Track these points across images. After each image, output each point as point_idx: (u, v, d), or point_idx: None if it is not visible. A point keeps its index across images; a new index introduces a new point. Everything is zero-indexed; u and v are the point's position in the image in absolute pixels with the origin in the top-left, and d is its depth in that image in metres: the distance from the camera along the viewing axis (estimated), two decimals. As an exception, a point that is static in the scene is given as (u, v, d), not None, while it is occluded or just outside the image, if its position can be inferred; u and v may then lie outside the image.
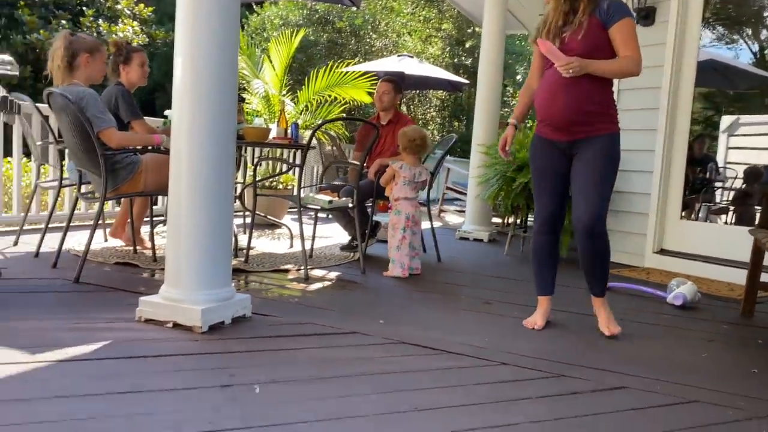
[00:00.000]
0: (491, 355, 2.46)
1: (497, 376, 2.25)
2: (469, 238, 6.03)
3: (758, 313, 3.53)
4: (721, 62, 7.22)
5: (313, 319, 2.78)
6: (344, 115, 6.34)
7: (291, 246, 4.85)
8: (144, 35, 13.77)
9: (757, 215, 3.77)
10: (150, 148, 3.41)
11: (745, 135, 8.16)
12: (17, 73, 2.53)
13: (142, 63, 4.09)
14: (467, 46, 15.77)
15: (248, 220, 5.32)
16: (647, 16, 5.05)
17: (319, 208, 3.91)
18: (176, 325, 2.47)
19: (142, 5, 13.57)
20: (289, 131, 4.41)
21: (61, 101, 3.13)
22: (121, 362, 2.09)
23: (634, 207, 5.12)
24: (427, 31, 15.95)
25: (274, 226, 5.93)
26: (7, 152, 4.85)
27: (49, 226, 3.97)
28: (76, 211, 4.77)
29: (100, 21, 12.69)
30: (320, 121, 5.04)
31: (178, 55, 2.48)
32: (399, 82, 5.00)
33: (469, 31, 15.99)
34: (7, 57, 2.54)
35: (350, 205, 4.07)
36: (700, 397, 2.16)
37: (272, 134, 4.38)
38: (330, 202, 3.90)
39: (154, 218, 4.01)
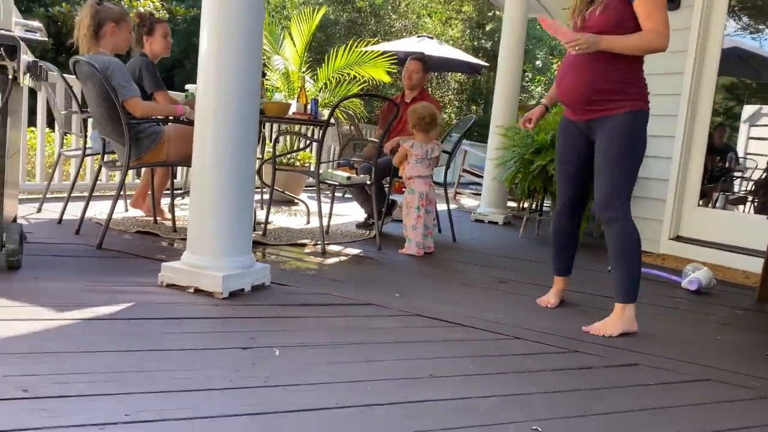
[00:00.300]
0: (505, 329, 2.50)
1: (510, 349, 2.28)
2: (484, 220, 6.04)
3: (773, 300, 3.52)
4: (747, 50, 7.12)
5: (331, 291, 2.82)
6: (363, 92, 6.33)
7: (308, 222, 4.89)
8: (165, 11, 13.81)
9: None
10: (172, 118, 3.45)
11: (767, 126, 8.06)
12: (47, 39, 2.56)
13: (165, 34, 4.11)
14: (487, 29, 15.65)
15: (266, 196, 5.36)
16: (672, 0, 4.99)
17: (337, 183, 3.94)
18: (197, 291, 2.52)
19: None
20: (308, 107, 4.44)
21: (87, 69, 3.18)
22: (144, 323, 2.15)
23: (651, 193, 5.10)
24: (448, 12, 15.83)
25: (291, 202, 5.98)
26: (32, 122, 4.93)
27: (72, 195, 4.04)
28: (98, 182, 4.86)
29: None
30: (339, 99, 5.03)
31: (204, 27, 2.51)
32: (428, 61, 5.00)
33: (490, 14, 15.86)
34: (35, 23, 2.58)
35: (368, 182, 4.09)
36: (712, 376, 2.18)
37: (292, 110, 4.41)
38: (348, 178, 3.93)
39: (174, 191, 4.06)
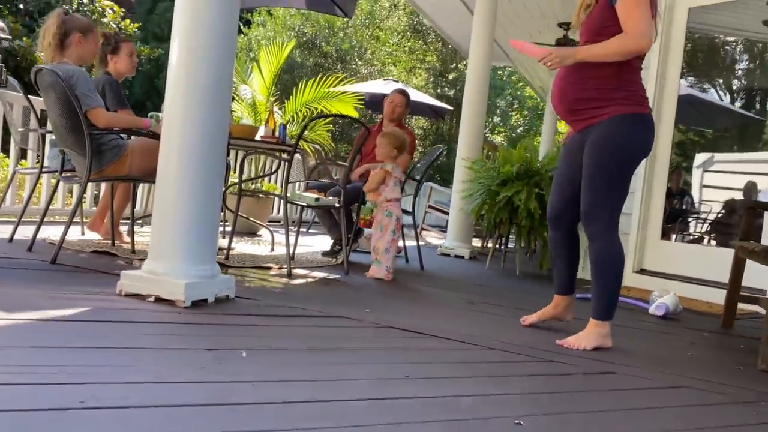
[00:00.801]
0: (478, 341, 2.43)
1: (486, 357, 2.21)
2: (450, 254, 6.02)
3: (738, 326, 3.55)
4: (698, 97, 7.44)
5: (299, 305, 2.72)
6: (332, 124, 6.33)
7: (272, 250, 4.78)
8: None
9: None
10: (135, 131, 3.35)
11: (719, 172, 8.39)
12: (10, 38, 2.48)
13: (130, 53, 4.04)
14: (450, 77, 16.04)
15: (228, 228, 5.25)
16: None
17: (305, 204, 3.87)
18: (158, 300, 2.39)
19: (128, 21, 13.56)
20: (277, 131, 4.39)
21: (50, 78, 3.08)
22: (101, 324, 2.02)
23: (615, 226, 5.17)
24: (412, 62, 16.21)
25: (254, 233, 5.86)
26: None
27: (24, 219, 3.85)
28: (52, 206, 4.67)
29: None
30: (310, 118, 5.01)
31: (175, 38, 2.48)
32: (409, 97, 5.10)
33: (453, 66, 16.28)
34: (1, 23, 2.50)
35: (336, 204, 4.04)
36: (687, 384, 2.15)
37: (260, 134, 4.36)
38: (317, 199, 3.87)
39: (135, 220, 3.92)
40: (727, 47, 7.91)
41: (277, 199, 7.02)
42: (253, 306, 2.59)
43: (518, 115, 19.85)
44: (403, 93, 4.99)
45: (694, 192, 7.92)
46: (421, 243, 4.93)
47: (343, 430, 1.36)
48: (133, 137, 3.39)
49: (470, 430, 1.44)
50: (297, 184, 5.79)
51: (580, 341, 2.51)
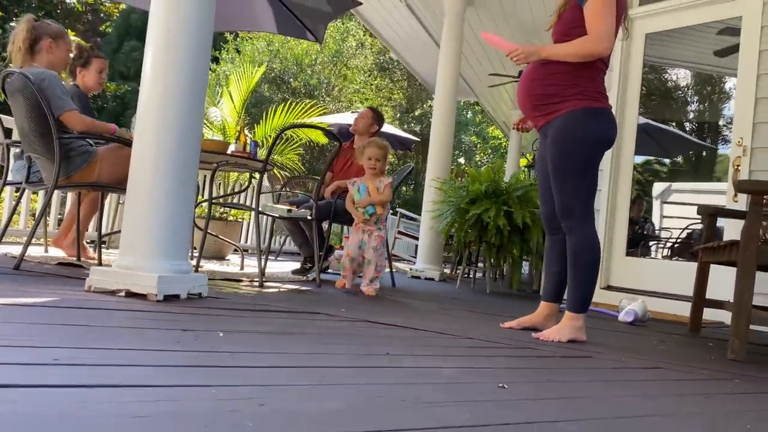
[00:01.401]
0: (455, 333, 2.43)
1: (464, 344, 2.21)
2: (420, 276, 6.03)
3: (705, 332, 3.62)
4: (655, 125, 7.70)
5: (273, 304, 2.69)
6: (302, 148, 6.35)
7: (242, 269, 4.72)
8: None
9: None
10: (108, 137, 3.31)
11: (676, 203, 8.66)
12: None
13: (100, 69, 4.03)
14: (417, 113, 16.33)
15: (196, 252, 5.17)
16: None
17: (277, 215, 3.85)
18: (130, 294, 2.33)
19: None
20: (248, 148, 4.39)
21: (19, 82, 3.04)
22: (70, 311, 1.96)
23: (582, 244, 5.26)
24: (379, 99, 16.46)
25: (221, 258, 5.78)
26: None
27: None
28: (15, 227, 4.55)
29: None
30: (283, 128, 5.01)
31: (150, 43, 2.49)
32: (381, 115, 5.12)
33: (419, 104, 16.59)
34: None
35: (309, 216, 4.03)
36: (664, 366, 2.18)
37: (231, 149, 4.35)
38: (288, 211, 3.86)
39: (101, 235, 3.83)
40: (681, 78, 8.26)
41: (245, 224, 6.96)
42: (227, 303, 2.55)
43: (482, 154, 20.24)
44: (370, 108, 5.06)
45: (655, 219, 8.16)
46: (393, 270, 4.94)
47: (325, 387, 1.33)
48: (103, 146, 3.35)
49: (455, 392, 1.43)
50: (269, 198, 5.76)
51: (555, 334, 2.52)
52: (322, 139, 6.59)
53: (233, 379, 1.32)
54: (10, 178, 3.81)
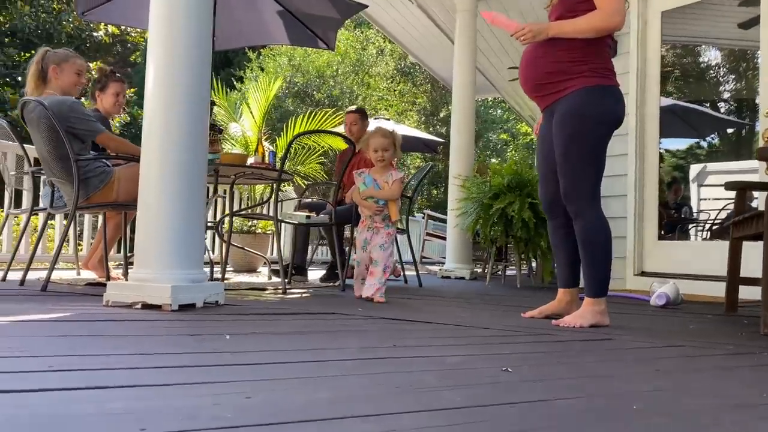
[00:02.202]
0: (472, 324, 2.39)
1: (478, 333, 2.17)
2: (451, 276, 5.97)
3: (742, 311, 3.48)
4: (683, 106, 7.49)
5: (292, 308, 2.69)
6: (324, 156, 6.39)
7: (269, 278, 4.76)
8: (126, 114, 14.04)
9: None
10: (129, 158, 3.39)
11: (713, 185, 8.40)
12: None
13: (116, 93, 4.10)
14: (441, 115, 16.27)
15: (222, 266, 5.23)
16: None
17: (296, 223, 3.87)
18: (146, 306, 2.36)
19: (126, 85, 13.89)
20: (266, 158, 4.44)
21: (35, 108, 3.13)
22: (83, 324, 1.99)
23: (612, 231, 5.13)
24: (403, 105, 16.47)
25: (252, 270, 5.84)
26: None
27: (19, 263, 3.85)
28: (39, 253, 4.67)
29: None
30: (296, 135, 5.02)
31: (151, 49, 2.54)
32: (363, 110, 5.08)
33: (443, 105, 16.54)
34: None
35: (328, 222, 4.03)
36: (687, 344, 2.10)
37: (250, 161, 4.40)
38: (307, 217, 3.87)
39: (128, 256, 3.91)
40: (710, 56, 8.01)
41: (273, 236, 7.02)
42: (244, 309, 2.56)
43: (514, 151, 20.02)
44: (351, 111, 5.00)
45: (693, 203, 7.91)
46: (422, 272, 4.91)
47: (319, 379, 1.32)
48: (121, 166, 3.43)
49: (455, 378, 1.40)
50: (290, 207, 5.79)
51: (577, 320, 2.45)
52: (342, 145, 6.61)
53: (228, 376, 1.32)
54: (41, 204, 3.94)
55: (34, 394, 1.09)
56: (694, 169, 8.31)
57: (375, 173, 3.40)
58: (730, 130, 8.51)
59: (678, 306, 3.62)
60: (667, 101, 6.13)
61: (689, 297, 4.26)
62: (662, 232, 5.37)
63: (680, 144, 8.34)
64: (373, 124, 9.67)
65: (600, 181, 2.50)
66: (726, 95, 8.73)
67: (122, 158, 3.41)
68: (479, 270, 6.93)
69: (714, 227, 7.02)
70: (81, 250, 5.06)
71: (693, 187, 8.30)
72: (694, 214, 7.86)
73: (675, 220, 7.11)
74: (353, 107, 5.14)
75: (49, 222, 4.63)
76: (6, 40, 13.25)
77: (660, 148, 5.34)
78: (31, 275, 3.43)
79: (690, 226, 7.57)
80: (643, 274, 5.01)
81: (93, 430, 0.90)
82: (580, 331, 2.29)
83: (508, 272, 6.47)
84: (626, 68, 5.14)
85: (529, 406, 1.16)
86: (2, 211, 4.96)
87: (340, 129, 7.10)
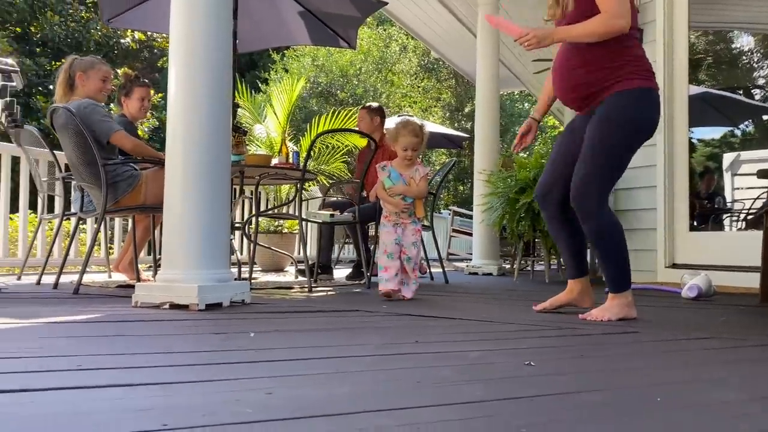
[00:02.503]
0: (496, 319, 2.38)
1: (501, 329, 2.16)
2: (478, 272, 5.94)
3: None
4: (715, 93, 7.31)
5: (317, 306, 2.71)
6: (348, 155, 6.41)
7: (296, 277, 4.79)
8: (155, 119, 14.28)
9: None
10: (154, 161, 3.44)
11: (747, 174, 8.19)
12: (21, 80, 2.61)
13: (141, 98, 4.16)
14: (466, 110, 16.19)
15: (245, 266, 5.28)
16: (634, 38, 5.19)
17: (320, 221, 3.89)
18: (173, 306, 2.40)
19: (152, 90, 14.11)
20: (290, 158, 4.47)
21: (63, 114, 3.21)
22: (111, 324, 2.03)
23: (642, 223, 5.06)
24: (427, 101, 16.43)
25: (279, 270, 5.89)
26: (14, 209, 4.93)
27: (52, 266, 3.95)
28: (72, 257, 4.77)
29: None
30: (318, 134, 5.04)
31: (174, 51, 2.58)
32: (375, 107, 5.00)
33: (468, 100, 16.46)
34: (10, 60, 2.62)
35: (352, 219, 4.05)
36: (718, 337, 2.05)
37: (274, 162, 4.44)
38: (331, 215, 3.89)
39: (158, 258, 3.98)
40: (743, 41, 7.79)
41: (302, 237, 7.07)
42: (270, 307, 2.59)
43: (542, 144, 19.82)
44: (361, 107, 4.97)
45: (727, 192, 7.72)
46: (448, 269, 4.89)
47: (341, 375, 1.32)
48: (148, 169, 3.49)
49: (476, 372, 1.39)
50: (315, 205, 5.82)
51: (604, 313, 2.41)
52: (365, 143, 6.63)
53: (250, 372, 1.33)
54: (73, 209, 4.02)
55: (63, 391, 1.11)
56: (728, 158, 8.11)
57: (399, 167, 3.25)
58: (765, 117, 8.28)
59: (711, 298, 3.54)
60: (698, 89, 6.01)
61: (722, 288, 4.17)
62: (694, 223, 5.27)
63: (713, 133, 8.14)
64: (396, 120, 9.67)
65: (611, 189, 2.49)
66: (760, 81, 8.50)
67: (148, 161, 3.47)
68: (507, 266, 6.88)
69: (749, 217, 6.86)
70: (112, 253, 5.16)
71: (727, 176, 8.11)
72: (728, 204, 7.68)
73: (708, 211, 6.95)
74: (362, 105, 5.13)
75: (81, 226, 4.74)
76: (37, 50, 13.58)
77: (691, 138, 5.24)
78: (64, 278, 3.51)
79: (724, 216, 7.40)
80: (675, 266, 4.91)
81: (117, 425, 0.92)
82: (606, 325, 2.26)
83: (537, 267, 6.41)
84: (652, 56, 5.03)
85: (551, 399, 1.15)
86: (36, 217, 5.10)
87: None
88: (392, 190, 3.16)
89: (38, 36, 13.55)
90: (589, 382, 1.31)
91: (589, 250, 3.37)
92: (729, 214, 7.43)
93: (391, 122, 9.61)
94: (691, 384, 1.31)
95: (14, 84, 2.63)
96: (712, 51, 7.31)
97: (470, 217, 8.07)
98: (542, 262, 5.70)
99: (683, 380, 1.34)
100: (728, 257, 4.62)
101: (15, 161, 4.82)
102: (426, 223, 4.70)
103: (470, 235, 7.48)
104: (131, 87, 4.14)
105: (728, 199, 7.69)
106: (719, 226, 6.92)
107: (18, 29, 13.36)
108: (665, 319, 2.54)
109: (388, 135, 3.33)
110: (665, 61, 4.98)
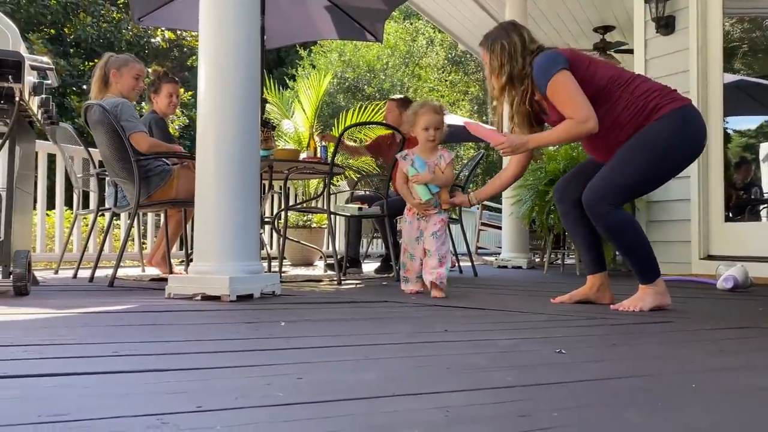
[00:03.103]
0: (527, 310, 2.36)
1: (534, 318, 2.14)
2: (507, 266, 5.91)
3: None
4: (751, 81, 7.12)
5: (346, 298, 2.72)
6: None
7: (325, 271, 4.82)
8: (185, 117, 14.47)
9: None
10: (183, 155, 3.50)
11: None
12: (56, 78, 2.67)
13: (169, 94, 4.20)
14: (494, 104, 16.04)
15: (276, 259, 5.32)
16: (667, 25, 5.09)
17: (349, 215, 3.91)
18: (205, 297, 2.44)
19: (182, 89, 14.30)
20: (318, 153, 4.50)
21: (97, 111, 3.27)
22: (145, 314, 2.07)
23: (675, 215, 4.97)
24: (455, 95, 16.34)
25: (309, 264, 5.94)
26: (50, 206, 5.05)
27: (84, 264, 4.03)
28: (106, 252, 4.87)
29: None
30: (345, 128, 5.05)
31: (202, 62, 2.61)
32: (402, 98, 4.99)
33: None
34: (45, 58, 2.68)
35: (381, 213, 4.05)
36: (756, 327, 2.01)
37: (302, 156, 4.47)
38: (359, 209, 3.90)
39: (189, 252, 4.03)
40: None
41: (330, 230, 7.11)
42: (300, 299, 2.61)
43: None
44: (390, 99, 4.93)
45: (764, 184, 7.52)
46: (477, 263, 4.87)
47: (370, 361, 1.33)
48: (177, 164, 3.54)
49: (507, 359, 1.39)
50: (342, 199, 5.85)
51: (636, 303, 2.38)
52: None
53: (280, 359, 1.35)
54: (107, 204, 4.11)
55: (100, 376, 1.14)
56: (765, 147, 7.90)
57: (423, 153, 2.97)
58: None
59: (747, 289, 3.47)
60: (733, 77, 5.86)
61: (760, 280, 4.07)
62: (729, 214, 5.16)
63: (750, 123, 7.94)
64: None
65: (629, 199, 2.46)
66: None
67: (180, 157, 3.53)
68: (537, 259, 6.82)
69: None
70: (145, 248, 5.26)
71: (764, 166, 7.90)
72: (765, 195, 7.48)
73: (744, 201, 6.79)
74: (391, 96, 5.11)
75: (114, 222, 4.82)
76: (71, 50, 13.86)
77: (726, 127, 5.13)
78: (99, 272, 3.59)
79: (761, 207, 7.22)
80: (710, 257, 4.81)
81: (152, 406, 0.94)
82: (638, 314, 2.23)
83: (567, 261, 6.34)
84: (685, 44, 4.94)
85: (582, 385, 1.14)
86: (71, 213, 5.22)
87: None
88: (417, 179, 2.90)
89: (72, 37, 13.82)
90: (621, 369, 1.29)
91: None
92: (766, 205, 7.25)
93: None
94: (726, 372, 1.28)
95: (49, 82, 2.69)
96: (748, 38, 7.12)
97: (498, 210, 8.02)
98: (572, 255, 5.63)
99: (719, 367, 1.32)
100: (766, 248, 4.51)
101: (51, 159, 4.95)
102: (454, 216, 4.69)
103: (499, 228, 7.43)
104: (159, 84, 4.20)
105: (765, 189, 7.50)
106: (756, 217, 6.75)
107: (52, 31, 13.64)
108: (700, 310, 2.50)
109: (406, 120, 3.05)
110: (698, 48, 4.88)
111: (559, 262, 6.36)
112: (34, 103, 2.63)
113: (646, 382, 1.19)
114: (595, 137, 2.42)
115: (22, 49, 2.60)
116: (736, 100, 5.89)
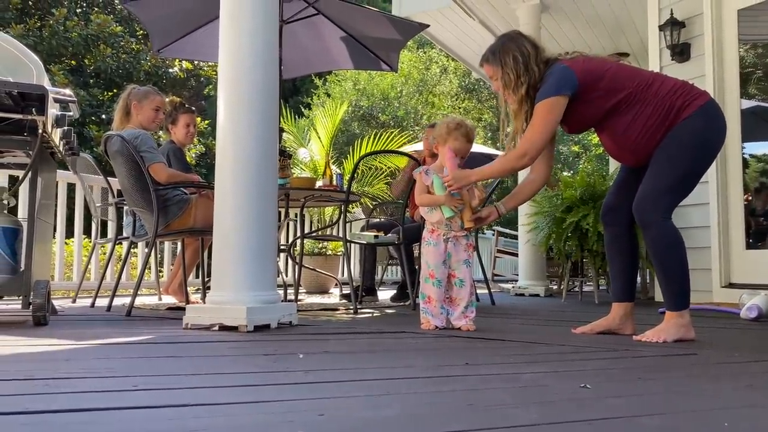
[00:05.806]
0: (548, 341, 2.32)
1: (555, 350, 2.10)
2: (524, 294, 5.85)
3: None
4: (767, 106, 7.06)
5: (363, 327, 2.70)
6: (390, 177, 6.43)
7: (341, 299, 4.80)
8: (201, 146, 14.63)
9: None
10: (201, 185, 3.52)
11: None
12: (76, 105, 2.72)
13: (186, 124, 4.24)
14: (508, 130, 16.09)
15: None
16: (682, 53, 5.09)
17: (365, 242, 3.90)
18: (223, 328, 2.43)
19: (198, 118, 14.50)
20: (334, 180, 4.51)
21: (117, 142, 3.32)
22: (163, 345, 2.07)
23: (695, 241, 4.90)
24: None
25: (324, 291, 5.92)
26: (69, 234, 5.10)
27: (102, 293, 4.05)
28: (124, 280, 4.90)
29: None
30: (361, 156, 5.08)
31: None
32: (433, 125, 5.06)
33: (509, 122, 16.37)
34: (68, 90, 2.73)
35: (396, 242, 4.04)
36: (784, 359, 1.96)
37: (318, 184, 4.48)
38: (375, 237, 3.90)
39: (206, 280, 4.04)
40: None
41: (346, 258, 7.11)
42: (316, 329, 2.59)
43: (587, 164, 19.52)
44: (431, 125, 4.99)
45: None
46: (494, 290, 4.82)
47: (390, 396, 1.31)
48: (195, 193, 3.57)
49: (530, 395, 1.36)
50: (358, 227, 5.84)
51: (660, 334, 2.34)
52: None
53: (300, 394, 1.33)
54: (124, 234, 4.14)
55: (120, 411, 1.13)
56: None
57: (441, 172, 2.70)
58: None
59: (771, 318, 3.39)
60: (749, 103, 5.83)
61: (784, 309, 3.98)
62: (750, 241, 5.08)
63: (766, 148, 7.86)
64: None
65: (679, 202, 2.42)
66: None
67: (198, 187, 3.55)
68: (554, 287, 6.75)
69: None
70: (162, 276, 5.28)
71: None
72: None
73: (765, 228, 6.69)
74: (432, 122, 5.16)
75: (132, 250, 4.86)
76: (91, 81, 14.12)
77: (744, 153, 5.09)
78: (117, 301, 3.59)
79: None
80: (731, 285, 4.73)
81: (172, 446, 0.93)
82: (663, 347, 2.19)
83: (585, 288, 6.27)
84: (701, 71, 4.93)
85: (608, 424, 1.11)
86: (90, 242, 5.26)
87: (405, 149, 7.16)
88: (455, 181, 2.57)
89: (92, 68, 14.08)
90: (648, 406, 1.26)
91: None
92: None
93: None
94: (758, 408, 1.24)
95: (71, 114, 2.74)
96: (762, 64, 7.09)
97: (514, 237, 7.97)
98: (590, 283, 5.57)
99: (749, 404, 1.28)
100: (790, 276, 4.43)
101: (70, 188, 5.01)
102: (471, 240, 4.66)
103: (515, 255, 7.38)
104: (176, 114, 4.25)
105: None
106: (776, 243, 6.66)
107: (73, 62, 13.91)
108: (725, 340, 2.44)
109: (435, 134, 2.78)
110: (714, 75, 4.88)
111: (577, 289, 6.28)
112: (56, 135, 2.68)
113: (675, 419, 1.15)
114: (625, 141, 2.43)
115: (46, 82, 2.66)
116: (753, 125, 5.84)
